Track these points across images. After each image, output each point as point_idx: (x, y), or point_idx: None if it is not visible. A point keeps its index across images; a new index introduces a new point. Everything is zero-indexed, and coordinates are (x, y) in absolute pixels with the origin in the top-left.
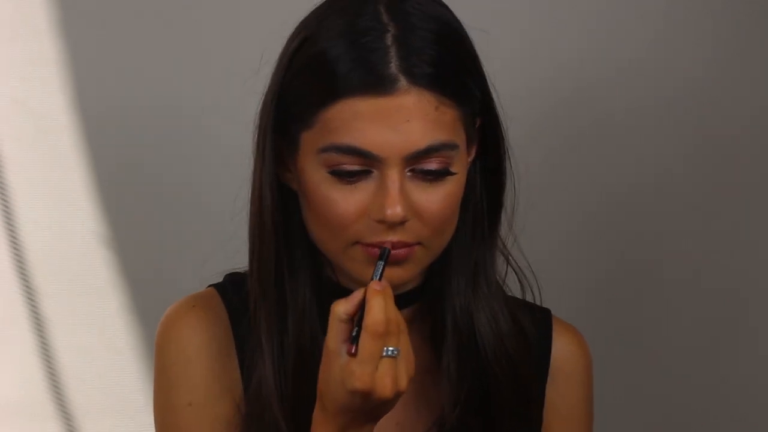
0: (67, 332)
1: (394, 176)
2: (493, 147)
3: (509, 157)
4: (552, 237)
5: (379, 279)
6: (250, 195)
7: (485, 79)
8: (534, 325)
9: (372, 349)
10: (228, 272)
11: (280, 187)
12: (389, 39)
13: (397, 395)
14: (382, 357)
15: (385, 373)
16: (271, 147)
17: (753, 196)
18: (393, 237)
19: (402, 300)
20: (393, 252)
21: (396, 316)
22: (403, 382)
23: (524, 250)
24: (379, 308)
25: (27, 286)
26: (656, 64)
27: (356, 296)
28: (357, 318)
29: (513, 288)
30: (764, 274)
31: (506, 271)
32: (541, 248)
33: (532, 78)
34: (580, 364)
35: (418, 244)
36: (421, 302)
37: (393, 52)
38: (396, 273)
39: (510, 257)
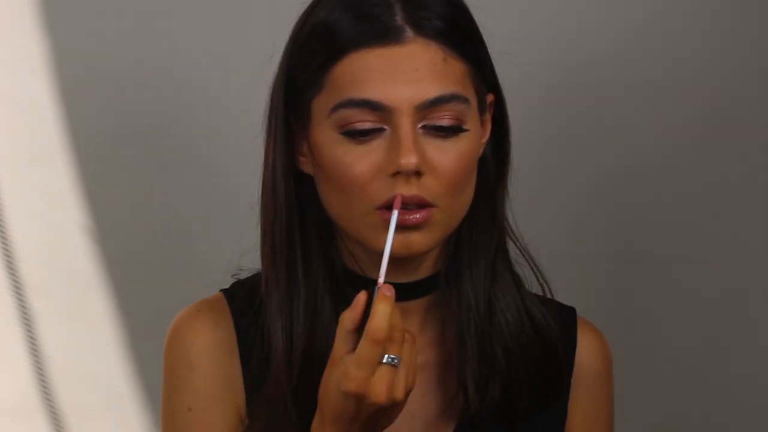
0: (57, 329)
1: (406, 127)
2: (499, 124)
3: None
4: (548, 226)
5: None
6: (261, 181)
7: (489, 54)
8: (559, 321)
9: (370, 355)
10: (235, 275)
11: (294, 173)
12: None
13: (394, 405)
14: (381, 363)
15: (380, 378)
16: (283, 125)
17: (757, 176)
18: (409, 191)
19: (420, 288)
20: (408, 218)
21: (400, 323)
22: (400, 392)
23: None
24: (383, 315)
25: (15, 282)
26: (654, 44)
27: (359, 302)
28: (361, 324)
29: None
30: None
31: (534, 270)
32: (539, 236)
33: (527, 62)
34: (604, 364)
35: (434, 206)
36: (438, 291)
37: (398, 7)
38: (415, 238)
39: (524, 251)
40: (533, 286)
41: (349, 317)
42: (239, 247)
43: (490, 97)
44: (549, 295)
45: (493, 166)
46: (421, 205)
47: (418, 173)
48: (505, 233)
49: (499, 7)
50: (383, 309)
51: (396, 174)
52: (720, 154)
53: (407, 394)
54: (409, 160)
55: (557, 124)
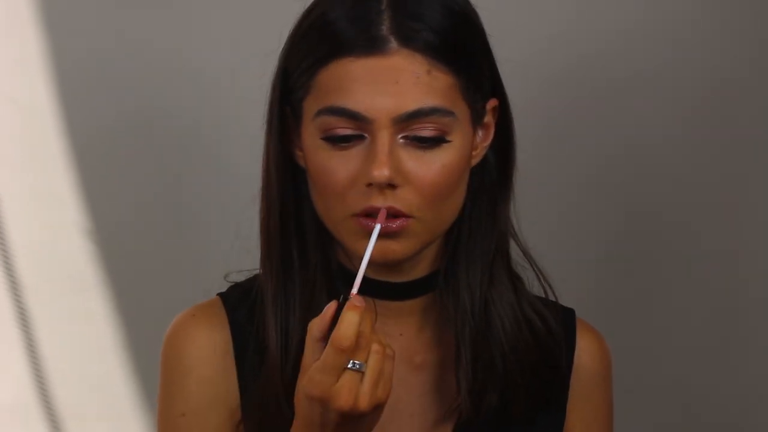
0: (54, 330)
1: (383, 138)
2: (503, 128)
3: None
4: (543, 223)
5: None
6: (262, 175)
7: (493, 58)
8: (557, 323)
9: (334, 361)
10: (231, 279)
11: (293, 167)
12: (384, 3)
13: (360, 415)
14: (346, 369)
15: (342, 385)
16: (278, 119)
17: (754, 159)
18: (384, 202)
19: (416, 287)
20: (385, 225)
21: (368, 333)
22: (364, 402)
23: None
24: (349, 323)
25: (13, 283)
26: (652, 30)
27: (328, 312)
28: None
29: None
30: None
31: (536, 272)
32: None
33: (524, 53)
34: (603, 365)
35: (412, 217)
36: (435, 291)
37: (387, 15)
38: (390, 247)
39: (526, 253)
40: (535, 288)
41: (317, 325)
42: (240, 248)
43: (492, 103)
44: (552, 297)
45: (495, 170)
46: (396, 215)
47: (391, 186)
48: (508, 236)
49: (487, 4)
50: (350, 318)
51: (370, 185)
52: (719, 150)
53: (375, 406)
54: (382, 173)
55: (547, 124)
